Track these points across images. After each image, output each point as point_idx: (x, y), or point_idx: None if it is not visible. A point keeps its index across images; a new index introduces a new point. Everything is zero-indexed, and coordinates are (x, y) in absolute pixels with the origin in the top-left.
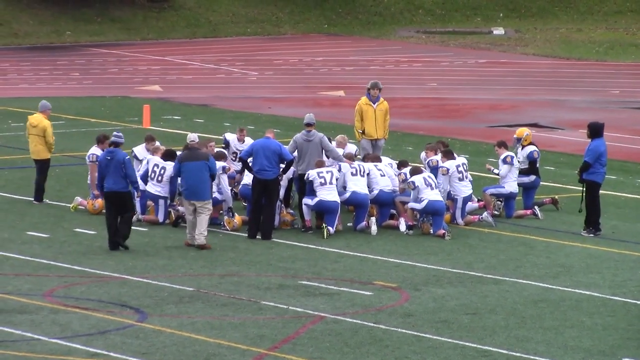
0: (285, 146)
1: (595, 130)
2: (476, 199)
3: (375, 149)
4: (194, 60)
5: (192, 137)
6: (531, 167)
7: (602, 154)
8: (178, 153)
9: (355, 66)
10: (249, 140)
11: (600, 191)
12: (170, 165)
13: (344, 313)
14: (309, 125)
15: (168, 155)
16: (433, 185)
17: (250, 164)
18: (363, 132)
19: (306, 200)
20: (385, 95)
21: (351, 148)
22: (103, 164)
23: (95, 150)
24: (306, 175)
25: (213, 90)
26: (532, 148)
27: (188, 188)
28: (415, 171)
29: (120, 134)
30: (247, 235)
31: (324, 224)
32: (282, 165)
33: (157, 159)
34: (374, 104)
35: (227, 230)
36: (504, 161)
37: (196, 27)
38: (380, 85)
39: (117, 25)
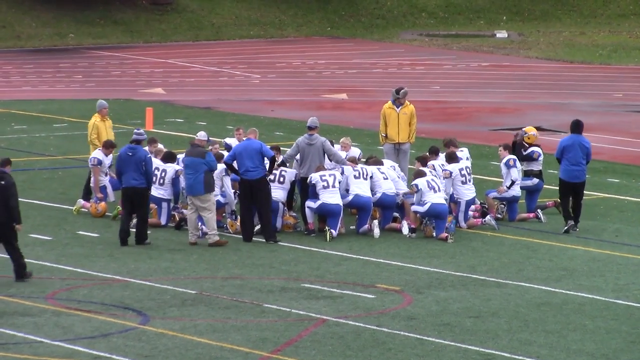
0: (266, 145)
1: (571, 127)
2: (479, 202)
3: (399, 154)
4: (196, 63)
5: (199, 134)
6: (527, 160)
7: (564, 149)
8: (179, 156)
9: (358, 69)
10: None
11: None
12: (170, 168)
13: (346, 316)
14: (311, 128)
15: (167, 158)
16: (436, 188)
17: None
18: (386, 136)
19: (309, 203)
20: (389, 98)
21: (354, 151)
22: (124, 159)
23: (98, 154)
24: (309, 179)
25: (216, 93)
26: (533, 148)
27: (187, 183)
28: (419, 174)
29: (141, 130)
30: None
31: (326, 227)
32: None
33: (157, 162)
34: (398, 107)
35: (230, 232)
36: (507, 164)
37: (199, 29)
38: (405, 93)
39: (120, 27)
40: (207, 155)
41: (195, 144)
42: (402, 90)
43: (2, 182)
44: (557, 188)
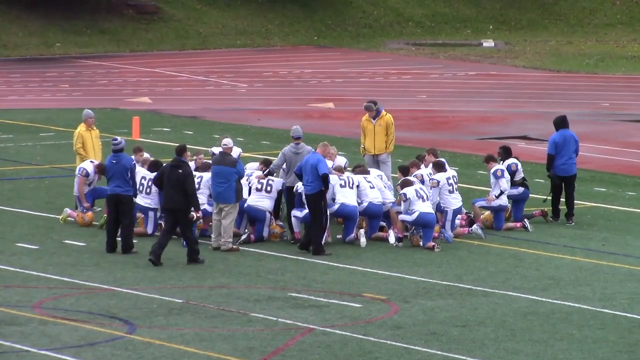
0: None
1: (556, 124)
2: (465, 212)
3: (379, 165)
4: (183, 72)
5: (225, 141)
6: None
7: (557, 145)
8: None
9: (345, 78)
10: (235, 149)
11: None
12: None
13: (333, 325)
14: (298, 138)
15: (154, 167)
16: (424, 197)
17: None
18: (365, 148)
19: (295, 213)
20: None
21: (340, 160)
22: (109, 168)
23: (88, 166)
24: (295, 187)
25: (202, 102)
26: (510, 161)
27: (216, 191)
28: (406, 183)
29: (117, 139)
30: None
31: None
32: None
33: (144, 171)
34: (374, 119)
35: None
36: (495, 175)
37: (185, 39)
38: (372, 107)
39: (107, 36)
40: (238, 164)
41: (225, 152)
42: (374, 105)
43: (180, 171)
44: (543, 197)
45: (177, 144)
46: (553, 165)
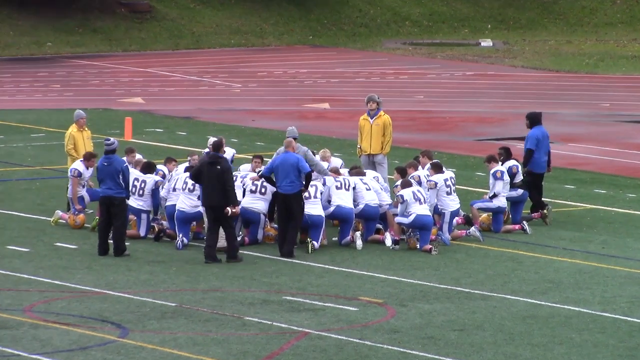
0: (308, 156)
1: (533, 119)
2: (462, 214)
3: (375, 166)
4: (176, 72)
5: (211, 141)
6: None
7: (539, 142)
8: (159, 166)
9: (341, 78)
10: (229, 150)
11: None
12: (150, 178)
13: (328, 329)
14: (293, 139)
15: (147, 168)
16: (422, 199)
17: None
18: (361, 148)
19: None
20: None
21: (336, 162)
22: (100, 170)
23: (79, 166)
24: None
25: (196, 102)
26: (511, 163)
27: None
28: (405, 185)
29: (110, 140)
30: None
31: (308, 239)
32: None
33: (136, 173)
34: (372, 118)
35: None
36: (494, 176)
37: (179, 38)
38: (375, 98)
39: (99, 36)
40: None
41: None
42: (377, 97)
43: (218, 167)
44: (543, 199)
45: (215, 139)
46: (531, 161)
